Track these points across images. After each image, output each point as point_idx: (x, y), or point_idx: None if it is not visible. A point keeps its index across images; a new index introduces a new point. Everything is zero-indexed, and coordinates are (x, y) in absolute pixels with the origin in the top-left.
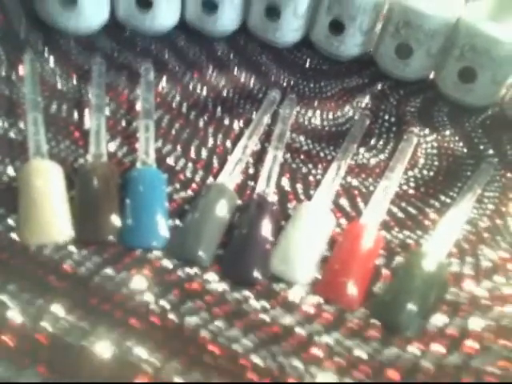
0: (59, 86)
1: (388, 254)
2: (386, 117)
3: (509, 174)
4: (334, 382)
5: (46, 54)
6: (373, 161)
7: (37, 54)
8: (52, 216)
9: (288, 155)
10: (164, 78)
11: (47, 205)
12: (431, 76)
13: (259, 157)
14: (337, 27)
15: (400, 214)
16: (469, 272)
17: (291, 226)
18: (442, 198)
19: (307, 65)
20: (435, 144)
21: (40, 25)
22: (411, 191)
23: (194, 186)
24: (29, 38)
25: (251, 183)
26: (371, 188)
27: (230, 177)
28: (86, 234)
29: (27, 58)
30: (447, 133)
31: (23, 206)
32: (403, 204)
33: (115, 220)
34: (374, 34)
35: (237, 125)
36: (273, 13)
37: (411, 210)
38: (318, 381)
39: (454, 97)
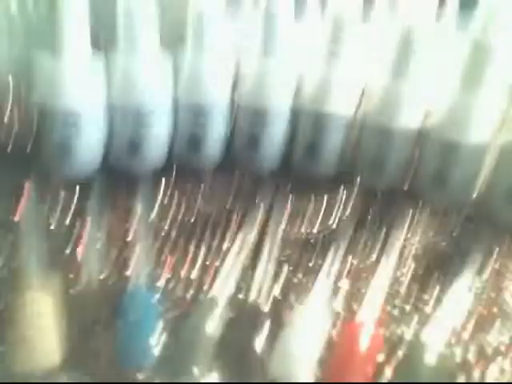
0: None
1: (388, 351)
2: (370, 224)
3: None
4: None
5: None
6: (361, 265)
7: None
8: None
9: (278, 267)
10: (154, 210)
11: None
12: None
13: (249, 270)
14: (312, 148)
15: (395, 312)
16: (473, 359)
17: (287, 331)
18: (434, 292)
19: (288, 186)
20: (420, 244)
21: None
22: (402, 289)
23: (185, 304)
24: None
25: (242, 296)
26: (362, 290)
27: (221, 291)
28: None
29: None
30: (431, 232)
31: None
32: (397, 301)
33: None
34: (348, 150)
35: (225, 244)
36: (252, 141)
37: (405, 306)
38: None
39: (431, 200)
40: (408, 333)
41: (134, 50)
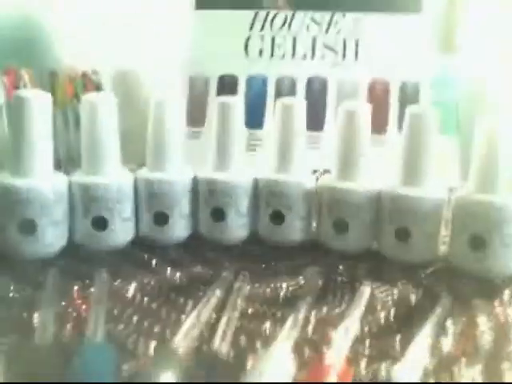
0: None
1: None
2: (338, 278)
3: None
4: None
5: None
6: (331, 313)
7: None
8: None
9: (244, 320)
10: (118, 279)
11: None
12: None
13: (213, 324)
14: (277, 217)
15: (367, 351)
16: None
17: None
18: (405, 333)
19: (256, 253)
20: (389, 292)
21: None
22: (374, 329)
23: (145, 357)
24: None
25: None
26: (330, 336)
27: (183, 341)
28: None
29: None
30: (400, 283)
31: None
32: (367, 341)
33: None
34: (312, 217)
35: (190, 303)
36: (218, 214)
37: (377, 343)
38: None
39: (398, 258)
40: (379, 370)
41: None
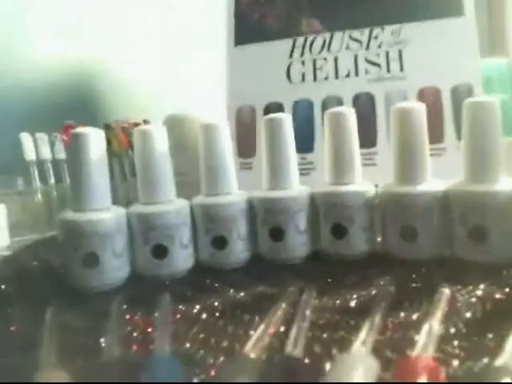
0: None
1: None
2: (413, 285)
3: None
4: None
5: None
6: (410, 317)
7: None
8: None
9: (316, 330)
10: (182, 303)
11: None
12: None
13: (283, 334)
14: (339, 231)
15: (456, 350)
16: None
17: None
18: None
19: (322, 270)
20: (472, 293)
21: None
22: (461, 330)
23: (214, 369)
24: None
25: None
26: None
27: (253, 349)
28: None
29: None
30: (483, 284)
31: None
32: (455, 342)
33: None
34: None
35: (257, 318)
36: (277, 234)
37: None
38: None
39: (476, 260)
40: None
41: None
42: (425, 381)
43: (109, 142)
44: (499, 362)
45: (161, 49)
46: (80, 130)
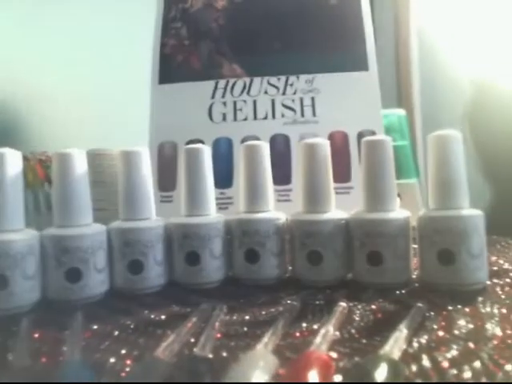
0: None
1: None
2: (317, 302)
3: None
4: None
5: None
6: (310, 328)
7: None
8: None
9: (225, 340)
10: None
11: None
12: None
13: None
14: (252, 256)
15: (347, 350)
16: None
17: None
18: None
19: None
20: (367, 308)
21: None
22: (355, 334)
23: (124, 373)
24: None
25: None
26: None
27: (163, 353)
28: None
29: None
30: (377, 300)
31: None
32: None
33: None
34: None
35: (169, 332)
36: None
37: (356, 345)
38: None
39: (371, 282)
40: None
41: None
42: (315, 371)
43: (24, 174)
44: (382, 351)
45: (85, 82)
46: None
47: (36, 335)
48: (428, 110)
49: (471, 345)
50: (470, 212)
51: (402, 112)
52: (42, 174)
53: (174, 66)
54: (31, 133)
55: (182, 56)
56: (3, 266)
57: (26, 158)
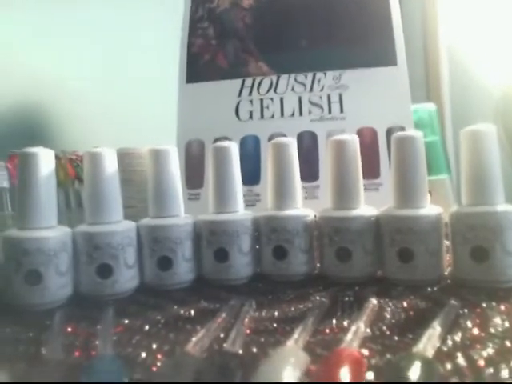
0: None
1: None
2: (346, 298)
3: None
4: None
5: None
6: (340, 324)
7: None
8: None
9: (254, 335)
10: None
11: None
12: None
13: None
14: (281, 252)
15: (379, 347)
16: None
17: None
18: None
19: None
20: (398, 305)
21: None
22: (386, 331)
23: (155, 367)
24: None
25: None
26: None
27: (193, 348)
28: None
29: None
30: (408, 298)
31: None
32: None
33: None
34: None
35: (199, 327)
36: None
37: (388, 343)
38: None
39: (402, 279)
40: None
41: None
42: (348, 367)
43: (56, 174)
44: (415, 349)
45: (114, 82)
46: (29, 149)
47: (69, 329)
48: (458, 104)
49: (508, 343)
50: (505, 208)
51: (432, 107)
52: (72, 173)
53: (200, 64)
54: (61, 132)
55: (208, 55)
56: (37, 262)
57: (57, 157)
